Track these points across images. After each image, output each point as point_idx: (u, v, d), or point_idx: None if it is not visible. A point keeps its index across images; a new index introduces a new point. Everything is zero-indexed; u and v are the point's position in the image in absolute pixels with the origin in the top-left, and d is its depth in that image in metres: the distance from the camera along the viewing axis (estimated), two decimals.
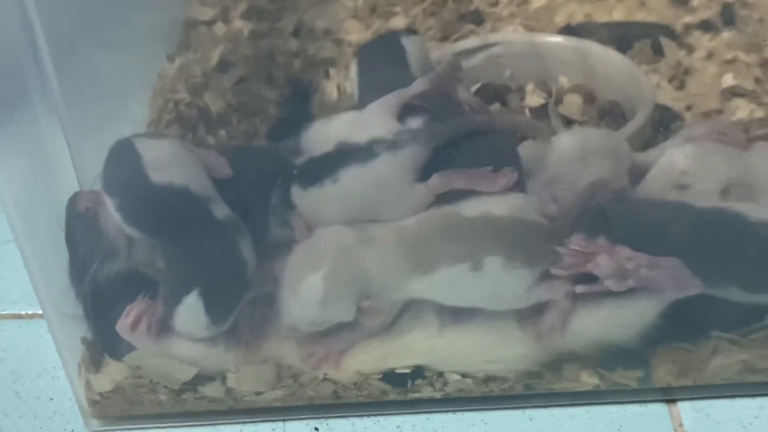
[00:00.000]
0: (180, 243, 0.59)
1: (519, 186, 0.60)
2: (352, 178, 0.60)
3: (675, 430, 0.62)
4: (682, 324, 0.60)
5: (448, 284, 0.59)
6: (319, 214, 0.61)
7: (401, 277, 0.60)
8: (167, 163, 0.59)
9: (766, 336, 0.61)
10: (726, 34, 0.85)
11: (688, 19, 0.87)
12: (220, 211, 0.60)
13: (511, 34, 0.83)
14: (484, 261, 0.58)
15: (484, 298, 0.60)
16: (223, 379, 0.63)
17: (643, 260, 0.57)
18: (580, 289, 0.58)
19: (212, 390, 0.63)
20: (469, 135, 0.61)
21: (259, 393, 0.63)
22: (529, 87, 0.79)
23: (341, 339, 0.62)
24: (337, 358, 0.62)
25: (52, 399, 0.66)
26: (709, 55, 0.84)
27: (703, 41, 0.85)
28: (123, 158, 0.59)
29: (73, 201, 0.61)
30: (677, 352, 0.62)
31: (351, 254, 0.59)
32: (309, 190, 0.61)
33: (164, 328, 0.61)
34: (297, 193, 0.62)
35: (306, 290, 0.59)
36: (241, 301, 0.61)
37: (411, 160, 0.60)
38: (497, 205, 0.59)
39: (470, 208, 0.59)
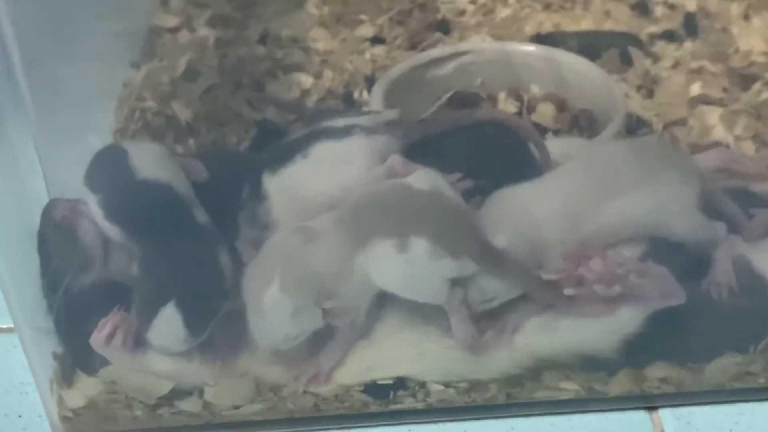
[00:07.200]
0: (159, 247, 0.59)
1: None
2: (322, 152, 0.61)
3: None
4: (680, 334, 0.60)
5: (379, 254, 0.58)
6: (290, 197, 0.61)
7: (348, 263, 0.59)
8: (152, 160, 0.59)
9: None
10: (689, 44, 0.86)
11: (653, 29, 0.88)
12: (201, 216, 0.59)
13: (483, 43, 0.83)
14: (411, 241, 0.57)
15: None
16: (201, 393, 0.61)
17: (633, 266, 0.57)
18: (569, 291, 0.57)
19: (189, 404, 0.62)
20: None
21: (237, 407, 0.62)
22: (501, 95, 0.79)
23: (327, 354, 0.61)
24: (327, 376, 0.61)
25: (20, 416, 0.64)
26: (675, 65, 0.84)
27: (668, 51, 0.86)
28: (109, 155, 0.60)
29: (49, 209, 0.60)
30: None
31: (299, 257, 0.58)
32: (280, 172, 0.61)
33: (139, 341, 0.60)
34: (269, 180, 0.61)
35: (269, 306, 0.58)
36: (219, 312, 0.60)
37: (383, 146, 0.60)
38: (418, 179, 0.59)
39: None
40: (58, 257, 0.60)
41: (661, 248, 0.60)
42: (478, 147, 0.64)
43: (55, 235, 0.60)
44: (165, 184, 0.59)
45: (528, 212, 0.60)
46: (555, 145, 0.64)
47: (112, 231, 0.59)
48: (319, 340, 0.60)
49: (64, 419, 0.62)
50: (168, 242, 0.59)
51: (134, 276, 0.59)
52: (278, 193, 0.61)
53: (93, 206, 0.59)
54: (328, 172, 0.61)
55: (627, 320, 0.60)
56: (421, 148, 0.62)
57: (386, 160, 0.60)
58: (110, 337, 0.59)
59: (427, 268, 0.58)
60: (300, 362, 0.61)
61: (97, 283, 0.60)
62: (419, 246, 0.57)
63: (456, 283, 0.59)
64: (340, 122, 0.62)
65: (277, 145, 0.63)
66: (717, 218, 0.62)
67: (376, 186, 0.60)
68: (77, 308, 0.60)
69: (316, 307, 0.58)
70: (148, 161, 0.60)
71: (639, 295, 0.58)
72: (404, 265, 0.58)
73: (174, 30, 0.87)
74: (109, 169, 0.60)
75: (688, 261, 0.61)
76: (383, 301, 0.60)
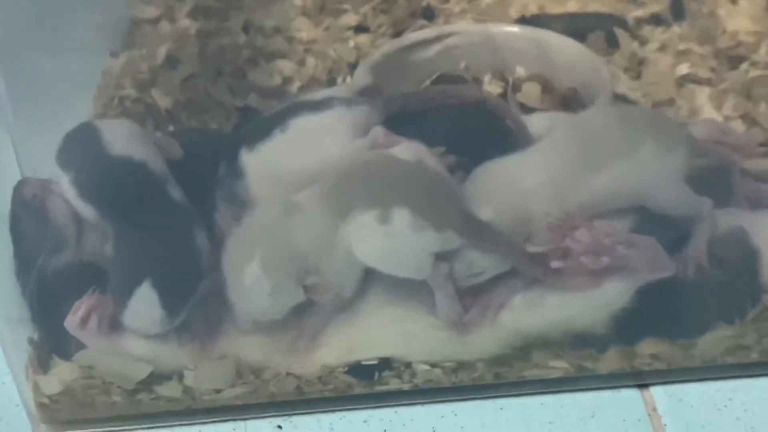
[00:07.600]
0: (134, 227, 0.57)
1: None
2: (301, 126, 0.60)
3: (649, 414, 0.61)
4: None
5: (361, 226, 0.57)
6: (269, 173, 0.60)
7: (330, 236, 0.57)
8: (126, 138, 0.58)
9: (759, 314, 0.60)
10: (677, 28, 0.85)
11: (639, 12, 0.87)
12: (176, 194, 0.58)
13: (467, 25, 0.82)
14: (393, 212, 0.56)
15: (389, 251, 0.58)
16: (180, 377, 0.60)
17: (621, 237, 0.55)
18: (556, 264, 0.56)
19: (169, 389, 0.60)
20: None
21: (218, 391, 0.60)
22: (486, 77, 0.77)
23: (310, 324, 0.59)
24: (311, 341, 0.59)
25: None
26: (662, 47, 0.83)
27: (655, 33, 0.85)
28: (82, 133, 0.59)
29: (19, 188, 0.59)
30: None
31: (280, 231, 0.57)
32: (257, 149, 0.60)
33: (116, 323, 0.59)
34: (246, 157, 0.60)
35: (248, 281, 0.57)
36: (196, 292, 0.58)
37: (363, 118, 0.60)
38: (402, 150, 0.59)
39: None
40: (30, 238, 0.58)
41: (650, 219, 0.59)
42: (460, 123, 0.63)
43: (27, 215, 0.58)
44: (139, 161, 0.58)
45: (513, 184, 0.59)
46: (540, 119, 0.63)
47: (86, 210, 0.58)
48: (300, 314, 0.59)
49: (41, 406, 0.60)
50: (142, 221, 0.58)
51: (108, 256, 0.58)
52: (256, 170, 0.60)
53: (66, 185, 0.58)
54: (308, 145, 0.60)
55: (615, 294, 0.58)
56: (403, 123, 0.61)
57: (368, 132, 0.59)
58: (85, 319, 0.58)
59: (409, 241, 0.56)
60: (281, 337, 0.59)
61: (70, 265, 0.59)
62: (401, 217, 0.56)
63: (441, 257, 0.57)
64: (317, 95, 0.61)
65: (254, 121, 0.62)
66: (704, 192, 0.61)
67: (359, 156, 0.59)
68: (51, 291, 0.59)
69: (297, 283, 0.57)
70: (122, 139, 0.59)
71: (627, 266, 0.57)
72: (386, 238, 0.56)
73: (154, 21, 0.87)
74: (81, 147, 0.59)
75: (677, 232, 0.59)
76: (366, 278, 0.59)
